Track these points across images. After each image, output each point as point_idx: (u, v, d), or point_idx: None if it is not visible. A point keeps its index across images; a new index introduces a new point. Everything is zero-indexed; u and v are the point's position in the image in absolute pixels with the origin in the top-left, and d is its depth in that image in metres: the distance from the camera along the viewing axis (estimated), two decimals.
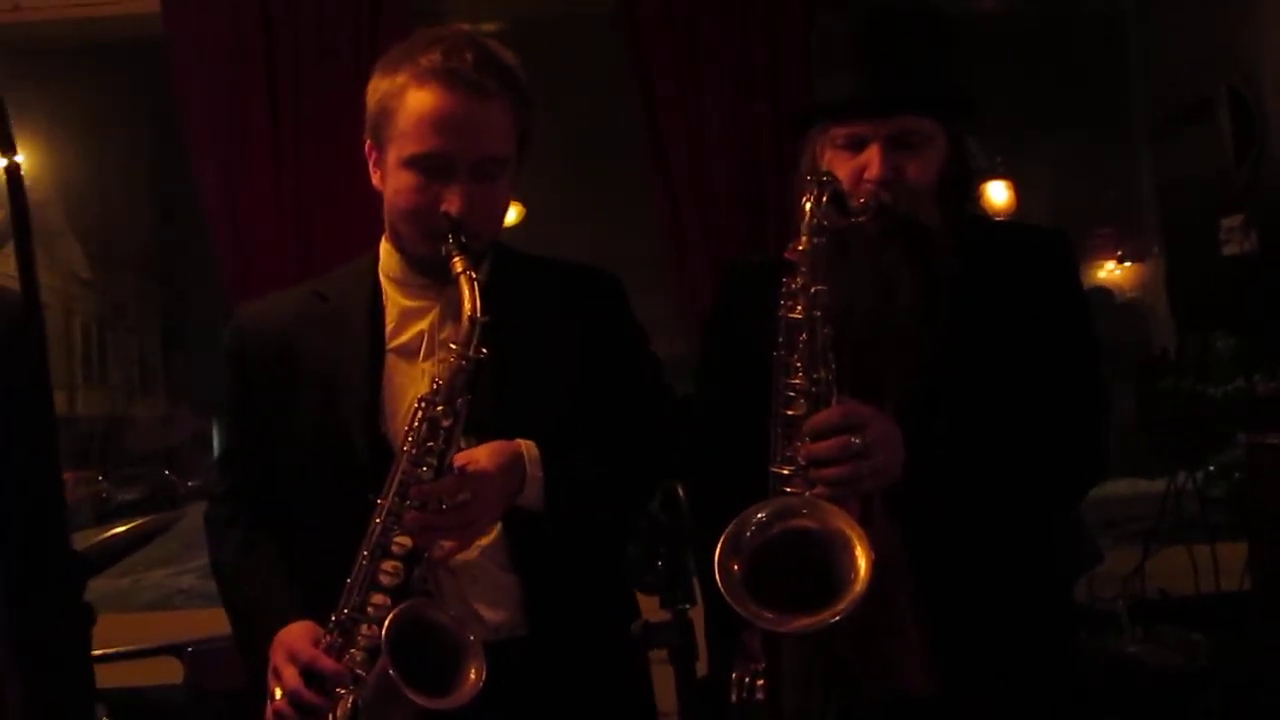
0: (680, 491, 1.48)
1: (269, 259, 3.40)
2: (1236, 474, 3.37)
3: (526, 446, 1.65)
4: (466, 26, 3.66)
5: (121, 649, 2.80)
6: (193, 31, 3.44)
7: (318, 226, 3.40)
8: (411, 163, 1.66)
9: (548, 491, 1.65)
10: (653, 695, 1.83)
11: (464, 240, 1.62)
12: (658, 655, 1.51)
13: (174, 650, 2.85)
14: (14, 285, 1.53)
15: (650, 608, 1.54)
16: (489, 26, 3.83)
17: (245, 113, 3.41)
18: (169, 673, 2.85)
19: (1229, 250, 2.52)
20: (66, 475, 1.80)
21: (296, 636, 1.62)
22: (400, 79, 1.66)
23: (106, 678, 2.35)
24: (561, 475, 1.65)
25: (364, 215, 3.33)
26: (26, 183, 1.14)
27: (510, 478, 1.63)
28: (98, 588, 2.16)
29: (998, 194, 5.34)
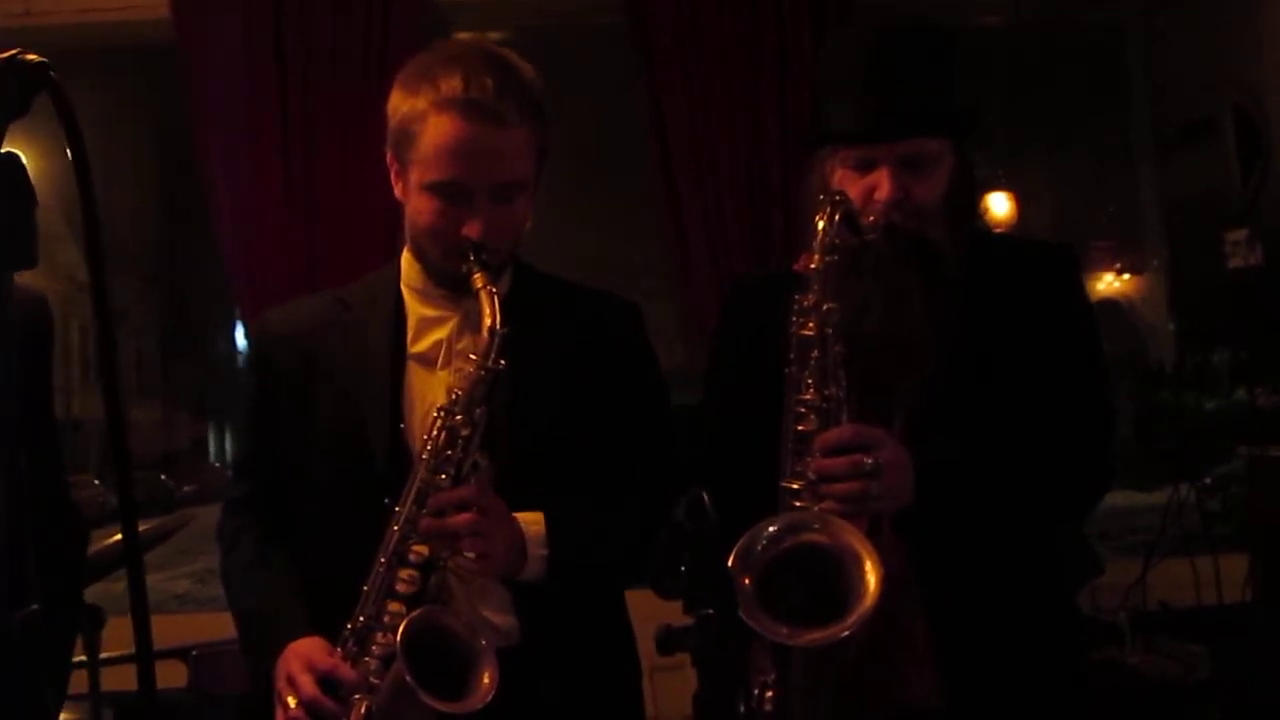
0: (705, 497, 1.49)
1: (276, 264, 3.41)
2: (1233, 487, 3.39)
3: (530, 522, 1.66)
4: (469, 35, 3.70)
5: (126, 652, 2.80)
6: (203, 37, 3.46)
7: (325, 232, 3.41)
8: (432, 188, 1.68)
9: (551, 569, 1.66)
10: (642, 705, 1.85)
11: (484, 258, 1.65)
12: (674, 661, 1.52)
13: (178, 654, 2.86)
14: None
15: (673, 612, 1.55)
16: (496, 35, 3.85)
17: (254, 117, 3.43)
18: (173, 676, 2.85)
19: (1233, 264, 2.55)
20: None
21: (311, 647, 1.63)
22: (421, 103, 1.67)
23: (111, 680, 2.36)
24: (565, 553, 1.67)
25: (371, 221, 3.37)
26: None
27: (516, 538, 1.64)
28: (96, 591, 2.17)
29: (999, 206, 5.37)
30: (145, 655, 0.99)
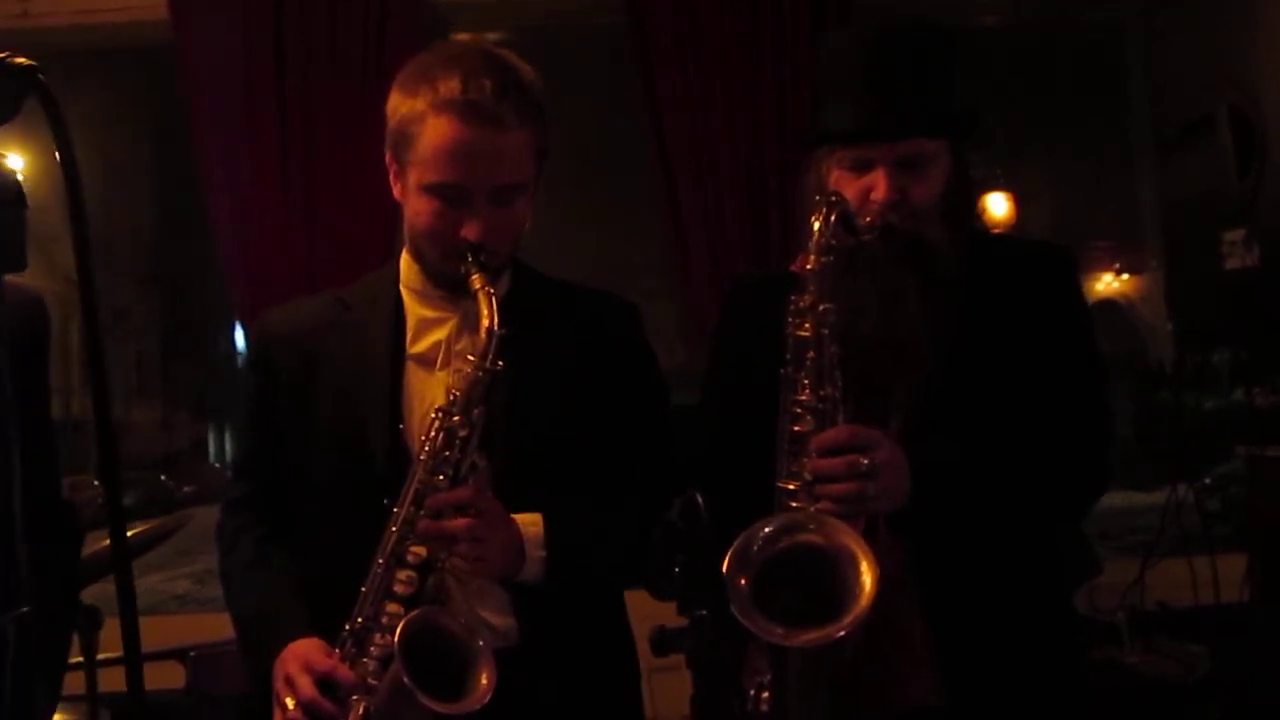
0: (699, 499, 1.49)
1: (274, 264, 3.41)
2: (1232, 486, 3.39)
3: (528, 523, 1.66)
4: (468, 36, 3.70)
5: (123, 653, 2.79)
6: (201, 37, 3.45)
7: (324, 232, 3.41)
8: (430, 190, 1.68)
9: (549, 570, 1.66)
10: (641, 705, 1.85)
11: (483, 259, 1.65)
12: (671, 662, 1.51)
13: (176, 654, 2.86)
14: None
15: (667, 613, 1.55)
16: (495, 35, 3.85)
17: (253, 118, 3.42)
18: (171, 677, 2.85)
19: (1230, 264, 2.55)
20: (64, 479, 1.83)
21: (310, 648, 1.64)
22: (420, 105, 1.67)
23: (109, 682, 2.36)
24: (564, 554, 1.67)
25: (370, 222, 3.37)
26: (27, 187, 1.17)
27: (513, 540, 1.65)
28: (94, 592, 2.17)
29: (997, 206, 5.37)
30: (134, 659, 0.99)
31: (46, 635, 1.49)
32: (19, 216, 1.07)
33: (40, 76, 1.05)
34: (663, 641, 1.50)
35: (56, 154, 1.05)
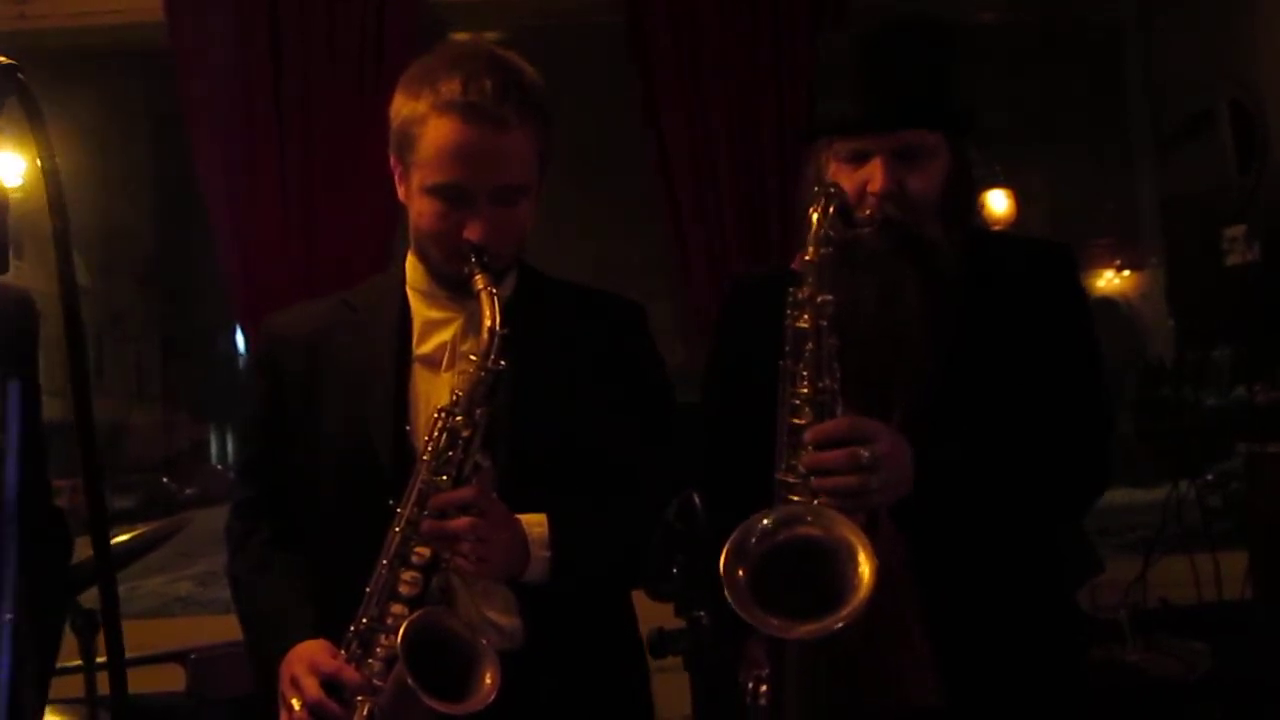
0: (696, 499, 1.49)
1: (273, 266, 3.41)
2: (1234, 483, 3.39)
3: (533, 523, 1.66)
4: (467, 36, 3.70)
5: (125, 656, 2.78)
6: (199, 39, 3.45)
7: (322, 234, 3.41)
8: (433, 191, 1.69)
9: (553, 571, 1.67)
10: (652, 707, 1.85)
11: (486, 260, 1.66)
12: (672, 662, 1.51)
13: (177, 657, 2.85)
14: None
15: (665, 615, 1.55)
16: (493, 35, 3.84)
17: (251, 119, 3.42)
18: (171, 680, 2.85)
19: (1231, 261, 2.55)
20: (64, 482, 1.82)
21: (315, 650, 1.64)
22: (422, 106, 1.68)
23: (108, 685, 2.35)
24: (568, 555, 1.67)
25: (369, 223, 3.37)
26: (26, 189, 1.16)
27: (517, 540, 1.65)
28: (93, 595, 2.16)
29: (997, 203, 5.37)
30: (117, 660, 0.99)
31: (36, 639, 1.49)
32: (1, 219, 1.07)
33: (20, 76, 1.04)
34: (661, 643, 1.49)
35: (38, 160, 1.05)
